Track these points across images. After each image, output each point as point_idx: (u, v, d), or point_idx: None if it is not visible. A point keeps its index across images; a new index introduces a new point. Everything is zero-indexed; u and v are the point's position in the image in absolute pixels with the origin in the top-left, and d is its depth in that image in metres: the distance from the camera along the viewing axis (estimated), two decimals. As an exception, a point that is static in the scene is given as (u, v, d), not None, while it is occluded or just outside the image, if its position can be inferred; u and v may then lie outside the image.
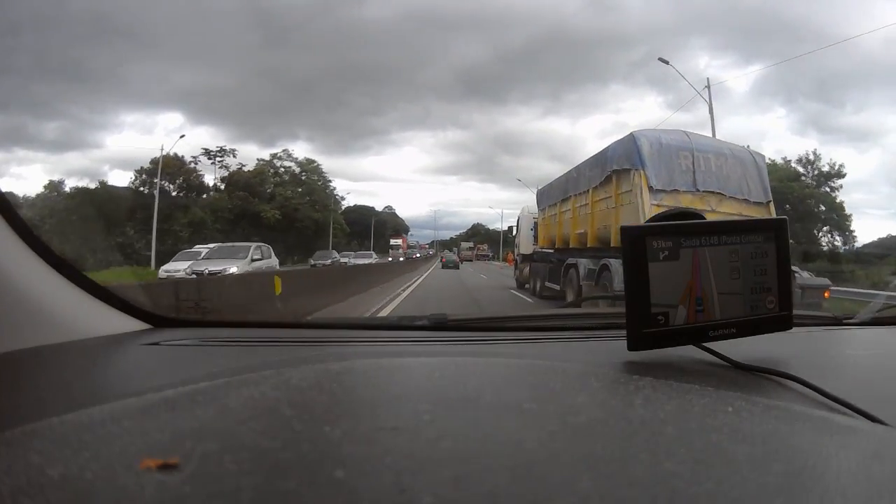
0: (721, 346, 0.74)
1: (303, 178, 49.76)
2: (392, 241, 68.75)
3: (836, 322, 1.16)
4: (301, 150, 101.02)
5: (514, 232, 15.89)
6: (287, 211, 43.86)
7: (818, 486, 0.28)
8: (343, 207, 70.56)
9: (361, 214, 73.28)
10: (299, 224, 44.34)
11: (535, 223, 13.20)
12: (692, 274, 0.71)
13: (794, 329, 0.79)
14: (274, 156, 49.17)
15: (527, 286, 12.87)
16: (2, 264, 0.74)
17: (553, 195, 11.38)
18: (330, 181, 52.73)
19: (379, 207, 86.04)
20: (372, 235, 68.25)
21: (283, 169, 49.02)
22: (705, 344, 0.73)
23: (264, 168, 46.60)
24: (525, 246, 13.86)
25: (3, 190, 0.82)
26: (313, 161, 50.85)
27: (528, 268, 13.18)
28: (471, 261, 58.53)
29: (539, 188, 13.60)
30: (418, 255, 53.55)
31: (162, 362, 0.80)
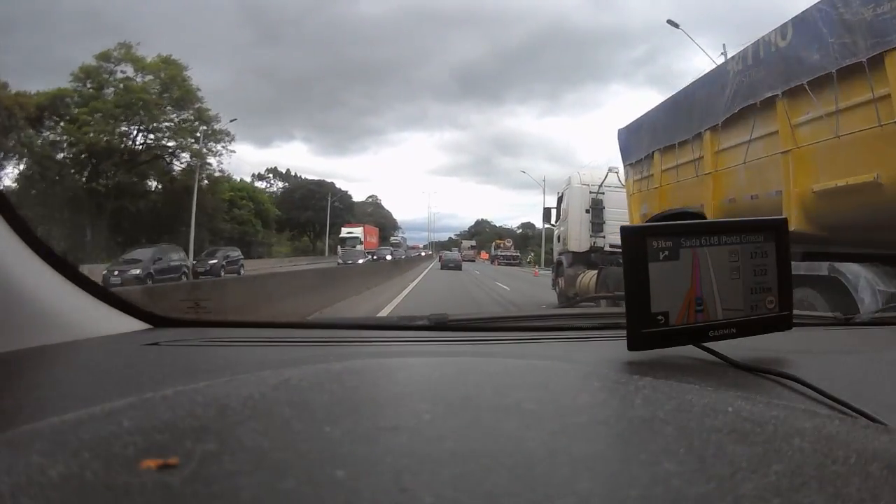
0: (721, 346, 0.74)
1: (149, 85, 26.07)
2: (345, 232, 42.06)
3: (836, 322, 1.17)
4: (298, 150, 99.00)
5: (555, 217, 10.03)
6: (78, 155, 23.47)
7: (818, 486, 0.28)
8: (274, 188, 48.58)
9: (312, 192, 49.79)
10: (105, 185, 24.25)
11: (595, 200, 8.52)
12: (692, 274, 0.71)
13: (794, 329, 0.79)
14: (105, 55, 25.38)
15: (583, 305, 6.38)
16: (2, 264, 0.74)
17: (676, 128, 5.86)
18: (201, 100, 27.79)
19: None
20: (328, 225, 46.23)
21: (118, 77, 25.85)
22: (705, 344, 0.73)
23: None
24: (577, 238, 8.65)
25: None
26: (172, 61, 26.73)
27: (589, 276, 7.85)
28: (473, 261, 47.67)
29: (622, 128, 7.55)
30: (389, 256, 35.34)
31: (162, 362, 0.80)
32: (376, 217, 66.30)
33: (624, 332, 0.71)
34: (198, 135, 28.15)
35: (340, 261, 26.99)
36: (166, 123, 27.80)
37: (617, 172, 8.57)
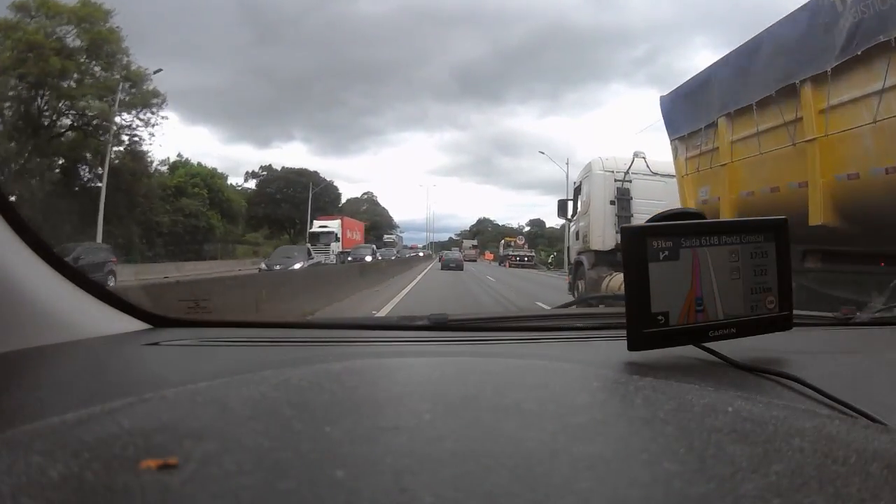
0: (721, 346, 0.74)
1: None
2: (317, 226, 33.89)
3: (836, 322, 1.16)
4: (297, 150, 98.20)
5: (573, 211, 8.56)
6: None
7: (818, 486, 0.28)
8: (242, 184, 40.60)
9: (291, 182, 42.36)
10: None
11: (621, 190, 7.34)
12: (692, 274, 0.71)
13: (794, 329, 0.79)
14: (22, 5, 19.55)
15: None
16: (2, 264, 0.74)
17: (754, 83, 4.57)
18: (127, 51, 21.48)
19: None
20: (309, 220, 37.63)
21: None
22: (705, 344, 0.73)
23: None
24: (600, 235, 7.46)
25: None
26: (91, 3, 20.60)
27: (619, 279, 6.47)
28: (474, 261, 43.56)
29: (667, 94, 6.44)
30: (369, 257, 26.57)
31: (162, 362, 0.80)
32: (371, 214, 60.30)
33: (624, 332, 0.71)
34: (114, 96, 20.52)
35: (264, 265, 18.37)
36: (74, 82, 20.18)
37: (644, 158, 7.57)
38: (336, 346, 0.94)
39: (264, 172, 47.09)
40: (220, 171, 34.87)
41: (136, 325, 0.94)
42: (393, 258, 29.65)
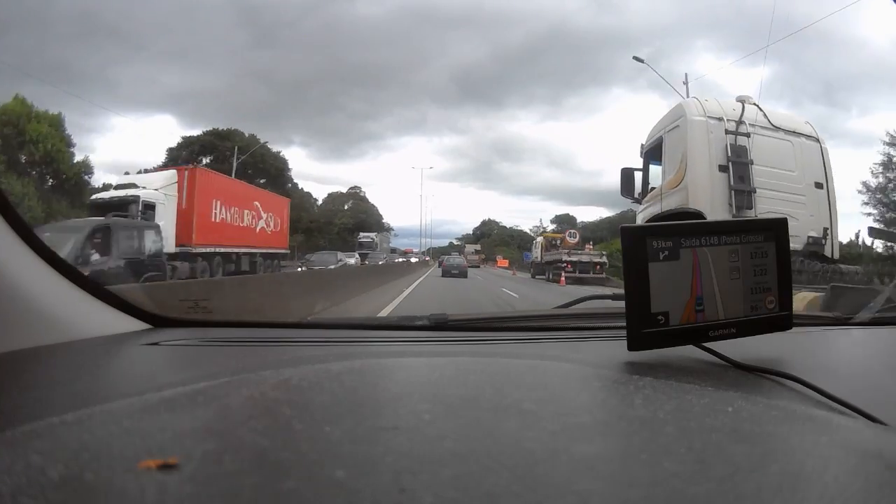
0: (721, 346, 0.74)
1: None
2: (114, 189, 11.89)
3: (836, 322, 1.16)
4: (296, 155, 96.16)
5: (642, 188, 5.69)
6: None
7: (817, 486, 0.28)
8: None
9: (211, 148, 29.93)
10: None
11: (736, 148, 4.57)
12: (692, 274, 0.71)
13: (794, 329, 0.79)
14: None
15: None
16: (2, 264, 0.74)
17: None
18: None
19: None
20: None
21: None
22: (705, 344, 0.73)
23: None
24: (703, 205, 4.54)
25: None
26: None
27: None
28: (477, 267, 36.56)
29: None
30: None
31: (162, 362, 0.80)
32: (355, 212, 47.11)
33: (624, 332, 0.71)
34: None
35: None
36: None
37: (757, 105, 4.90)
38: (336, 346, 0.94)
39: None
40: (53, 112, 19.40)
41: (136, 325, 0.94)
42: (341, 263, 17.87)
